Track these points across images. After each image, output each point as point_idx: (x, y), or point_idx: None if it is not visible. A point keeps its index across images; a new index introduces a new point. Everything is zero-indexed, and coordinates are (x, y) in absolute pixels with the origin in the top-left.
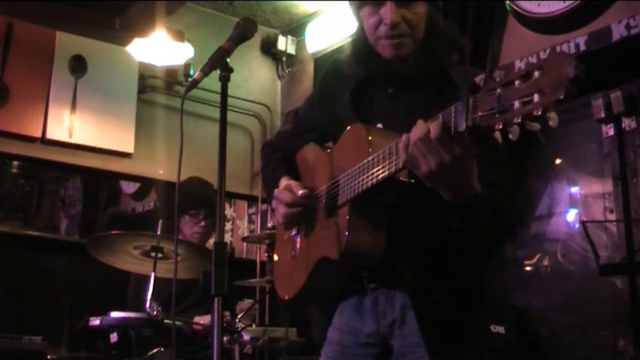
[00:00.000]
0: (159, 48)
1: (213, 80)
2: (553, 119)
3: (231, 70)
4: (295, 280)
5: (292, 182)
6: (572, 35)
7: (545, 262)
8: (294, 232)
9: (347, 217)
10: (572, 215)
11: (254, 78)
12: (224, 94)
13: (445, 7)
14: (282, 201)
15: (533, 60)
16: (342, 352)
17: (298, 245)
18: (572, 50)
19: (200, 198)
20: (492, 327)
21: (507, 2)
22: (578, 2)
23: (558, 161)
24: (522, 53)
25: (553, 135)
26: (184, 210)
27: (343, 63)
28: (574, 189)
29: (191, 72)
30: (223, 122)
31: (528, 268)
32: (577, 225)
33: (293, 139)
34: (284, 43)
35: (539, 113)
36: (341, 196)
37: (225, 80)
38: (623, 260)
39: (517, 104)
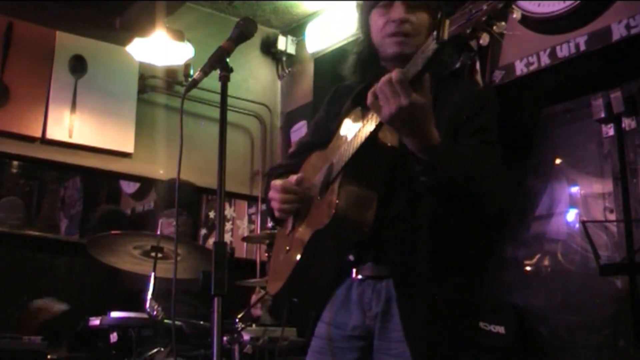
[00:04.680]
0: (159, 48)
1: (213, 80)
2: (517, 11)
3: (231, 70)
4: (285, 271)
5: (291, 176)
6: (572, 35)
7: (545, 262)
8: (289, 229)
9: (337, 187)
10: (572, 215)
11: (254, 78)
12: (224, 94)
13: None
14: (277, 190)
15: (533, 59)
16: (329, 345)
17: (291, 239)
18: (572, 50)
19: (168, 200)
20: (492, 327)
21: None
22: (578, 2)
23: (558, 161)
24: (522, 53)
25: (553, 135)
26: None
27: (346, 80)
28: (574, 189)
29: (191, 72)
30: (223, 122)
31: (528, 268)
32: (577, 225)
33: (296, 157)
34: (284, 43)
35: (500, 6)
36: (334, 173)
37: (225, 80)
38: (623, 260)
39: (485, 6)
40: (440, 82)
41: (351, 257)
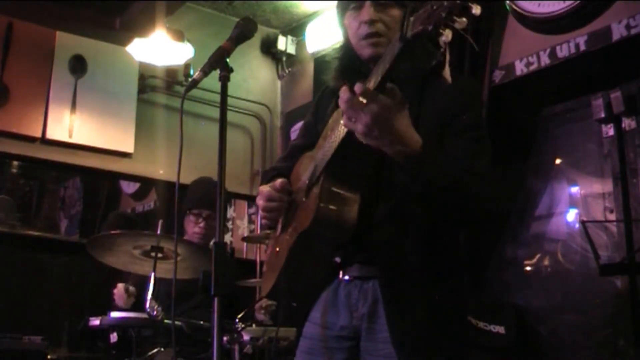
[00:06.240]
0: (159, 48)
1: (213, 80)
2: (476, 7)
3: (231, 70)
4: (276, 272)
5: (277, 180)
6: (572, 35)
7: (545, 262)
8: (279, 231)
9: (319, 189)
10: (572, 215)
11: (254, 78)
12: (224, 94)
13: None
14: (262, 197)
15: (533, 59)
16: (318, 345)
17: (282, 241)
18: (572, 50)
19: (201, 197)
20: (492, 327)
21: (507, 2)
22: (578, 2)
23: (558, 161)
24: (522, 53)
25: (553, 135)
26: (188, 209)
27: (333, 83)
28: (574, 189)
29: (191, 72)
30: (223, 122)
31: (528, 268)
32: (577, 225)
33: (288, 160)
34: (284, 43)
35: (459, 1)
36: (316, 174)
37: (225, 80)
38: (623, 260)
39: (445, 2)
40: (425, 80)
41: (337, 259)
